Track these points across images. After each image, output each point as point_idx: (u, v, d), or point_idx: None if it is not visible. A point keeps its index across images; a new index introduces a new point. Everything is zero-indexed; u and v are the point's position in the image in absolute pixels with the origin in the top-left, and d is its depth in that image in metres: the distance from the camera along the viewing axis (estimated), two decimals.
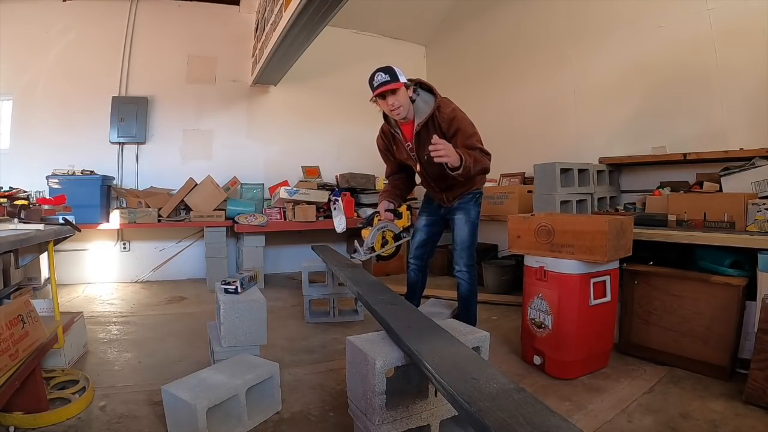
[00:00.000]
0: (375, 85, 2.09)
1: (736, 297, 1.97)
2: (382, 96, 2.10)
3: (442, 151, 1.94)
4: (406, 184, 2.53)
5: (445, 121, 2.12)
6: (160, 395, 1.61)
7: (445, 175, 2.19)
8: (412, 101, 2.18)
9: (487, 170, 2.22)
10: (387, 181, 2.58)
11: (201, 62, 4.77)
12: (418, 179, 2.57)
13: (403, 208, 2.42)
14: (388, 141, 2.40)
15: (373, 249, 2.31)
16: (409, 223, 2.43)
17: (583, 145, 3.64)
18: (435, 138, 1.97)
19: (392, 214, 2.37)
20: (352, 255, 2.39)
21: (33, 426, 1.61)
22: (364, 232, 2.33)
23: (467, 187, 2.36)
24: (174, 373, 1.98)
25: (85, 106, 4.31)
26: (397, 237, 2.38)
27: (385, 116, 2.29)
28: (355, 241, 2.38)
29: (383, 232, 2.34)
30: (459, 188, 2.36)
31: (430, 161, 2.21)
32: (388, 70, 2.08)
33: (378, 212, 2.40)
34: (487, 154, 2.16)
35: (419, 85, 2.22)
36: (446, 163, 1.99)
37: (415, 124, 2.19)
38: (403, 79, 2.10)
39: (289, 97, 5.09)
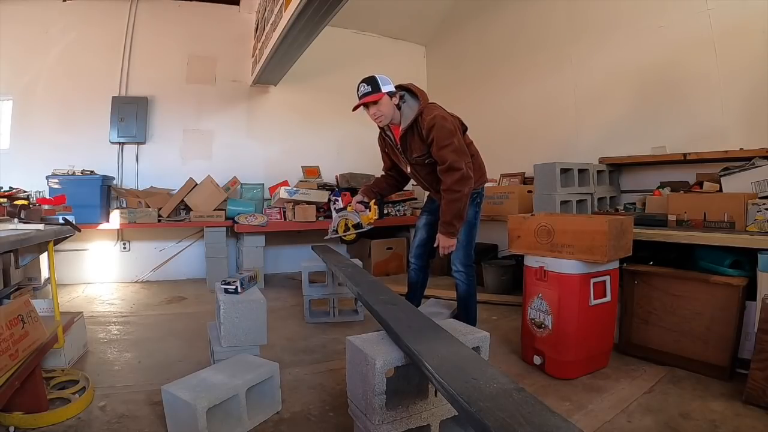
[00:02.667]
0: (359, 96, 2.24)
1: (736, 297, 1.97)
2: (366, 106, 2.24)
3: (447, 249, 2.26)
4: (390, 183, 2.66)
5: (425, 129, 2.18)
6: (160, 395, 1.61)
7: (436, 178, 2.22)
8: (399, 108, 2.26)
9: (465, 183, 2.15)
10: (379, 176, 2.74)
11: (201, 62, 4.77)
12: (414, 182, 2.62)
13: (372, 203, 2.60)
14: (383, 143, 2.50)
15: (336, 231, 2.64)
16: (376, 217, 2.61)
17: (583, 145, 3.64)
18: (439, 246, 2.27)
19: (363, 206, 2.59)
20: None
21: (33, 426, 1.61)
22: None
23: None
24: (174, 373, 1.97)
25: (85, 106, 4.31)
26: (356, 226, 2.61)
27: None
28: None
29: (345, 219, 2.62)
30: None
31: (419, 162, 2.32)
32: (370, 81, 2.21)
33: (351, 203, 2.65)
34: (457, 169, 2.12)
35: (409, 91, 2.30)
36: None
37: (401, 128, 2.28)
38: (387, 89, 2.20)
39: (289, 97, 5.09)
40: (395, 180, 2.65)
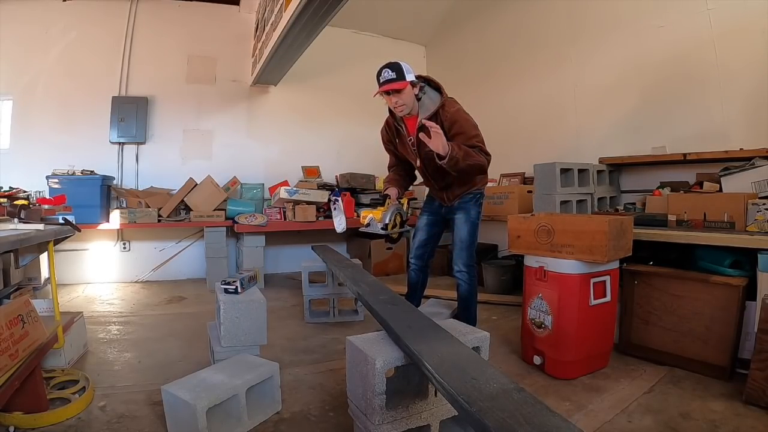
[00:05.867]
0: (381, 81, 2.13)
1: (736, 297, 1.97)
2: (388, 92, 2.14)
3: (435, 128, 1.96)
4: (407, 176, 2.57)
5: (448, 120, 2.14)
6: (160, 395, 1.61)
7: (445, 172, 2.20)
8: (418, 99, 2.20)
9: (481, 168, 2.21)
10: (390, 171, 2.59)
11: (201, 62, 4.77)
12: (419, 178, 2.59)
13: (404, 200, 2.47)
14: (391, 134, 2.43)
15: (387, 227, 2.32)
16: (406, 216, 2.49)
17: (583, 145, 3.64)
18: (429, 123, 1.98)
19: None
20: (365, 226, 2.37)
21: (33, 426, 1.61)
22: (373, 213, 2.32)
23: (467, 186, 2.36)
24: (174, 373, 1.98)
25: (85, 106, 4.31)
26: (402, 223, 2.41)
27: (391, 110, 2.30)
28: (370, 216, 2.36)
29: (398, 212, 2.36)
30: (459, 188, 2.36)
31: (430, 156, 2.23)
32: (395, 68, 2.11)
33: (389, 195, 2.37)
34: (487, 155, 2.17)
35: (428, 82, 2.25)
36: (435, 152, 2.02)
37: (418, 120, 2.21)
38: (410, 77, 2.13)
39: (289, 97, 5.09)
40: (409, 175, 2.57)
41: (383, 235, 2.37)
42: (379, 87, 2.14)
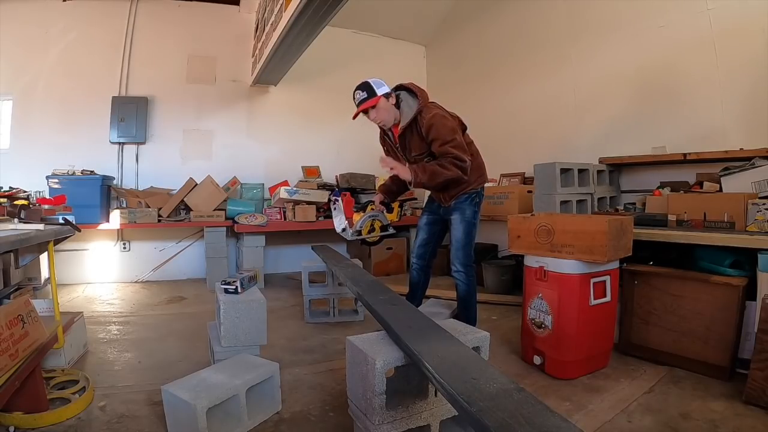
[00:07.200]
0: (356, 103, 2.27)
1: (736, 297, 1.97)
2: (365, 111, 2.27)
3: (391, 164, 2.26)
4: (401, 182, 2.59)
5: (425, 127, 2.20)
6: (160, 395, 1.61)
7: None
8: (398, 106, 2.28)
9: (457, 180, 2.25)
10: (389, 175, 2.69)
11: (201, 62, 4.78)
12: None
13: (395, 204, 2.55)
14: (384, 141, 2.52)
15: (360, 233, 2.49)
16: (397, 219, 2.58)
17: (583, 145, 3.64)
18: (383, 162, 2.30)
19: (384, 207, 2.54)
20: (342, 231, 2.58)
21: (33, 426, 1.61)
22: (355, 216, 2.51)
23: (463, 187, 2.36)
24: (174, 373, 1.97)
25: (85, 106, 4.32)
26: (383, 228, 2.52)
27: None
28: (346, 220, 2.57)
29: (373, 220, 2.51)
30: (454, 188, 2.37)
31: (418, 161, 2.33)
32: (365, 87, 2.24)
33: (373, 201, 2.57)
34: (461, 161, 2.18)
35: (408, 90, 2.31)
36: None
37: (400, 127, 2.29)
38: (382, 91, 2.23)
39: (289, 97, 5.09)
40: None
41: (361, 241, 2.56)
42: (357, 108, 2.27)
